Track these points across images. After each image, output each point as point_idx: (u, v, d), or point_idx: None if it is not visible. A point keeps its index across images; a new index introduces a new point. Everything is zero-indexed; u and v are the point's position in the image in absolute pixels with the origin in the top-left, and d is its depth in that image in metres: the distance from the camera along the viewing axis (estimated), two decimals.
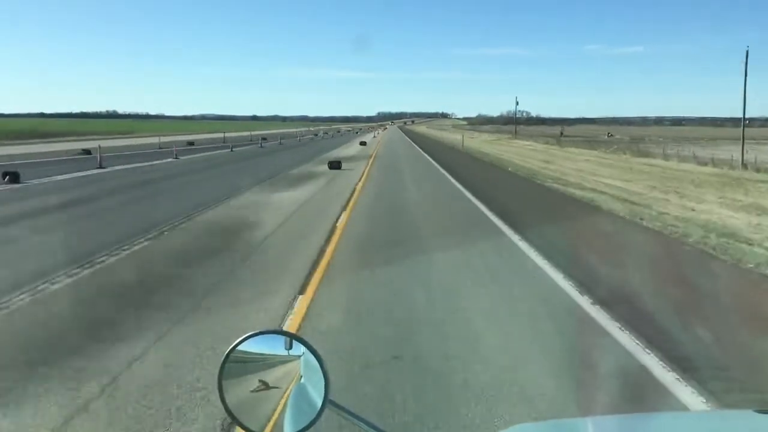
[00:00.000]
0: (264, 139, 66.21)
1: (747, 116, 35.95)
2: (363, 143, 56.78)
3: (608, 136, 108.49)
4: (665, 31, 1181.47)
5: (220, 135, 69.16)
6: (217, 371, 1.31)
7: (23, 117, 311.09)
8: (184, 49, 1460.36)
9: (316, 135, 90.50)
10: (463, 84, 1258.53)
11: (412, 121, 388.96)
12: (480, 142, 71.12)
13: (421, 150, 45.04)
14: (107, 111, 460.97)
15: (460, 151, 45.17)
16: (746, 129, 36.12)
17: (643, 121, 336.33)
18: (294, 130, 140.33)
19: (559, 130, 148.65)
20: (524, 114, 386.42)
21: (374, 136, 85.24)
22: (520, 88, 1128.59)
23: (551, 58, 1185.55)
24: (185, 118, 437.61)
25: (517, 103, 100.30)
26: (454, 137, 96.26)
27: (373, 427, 1.31)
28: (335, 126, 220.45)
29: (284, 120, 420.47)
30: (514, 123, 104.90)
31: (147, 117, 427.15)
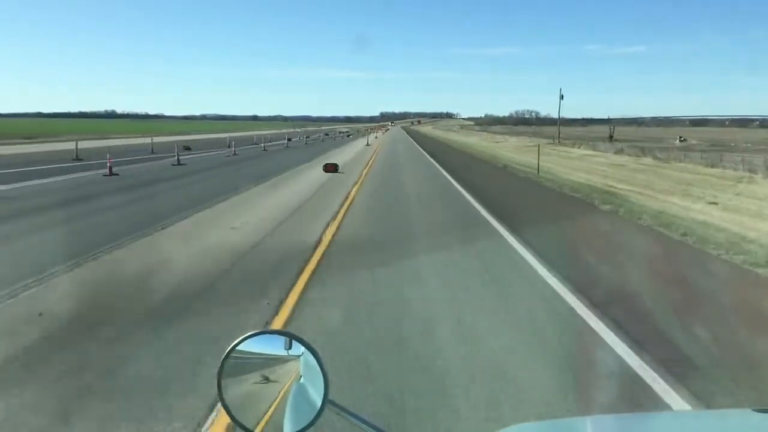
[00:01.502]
0: (187, 148, 41.39)
1: None
2: (330, 169, 22.99)
3: (680, 140, 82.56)
4: (670, 29, 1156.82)
5: (145, 141, 44.25)
6: (217, 369, 1.27)
7: (20, 117, 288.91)
8: (185, 49, 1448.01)
9: (290, 140, 64.24)
10: (466, 84, 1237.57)
11: (419, 122, 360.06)
12: (525, 153, 45.15)
13: (462, 189, 18.83)
14: (105, 111, 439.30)
15: (558, 191, 19.01)
16: None
17: (657, 122, 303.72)
18: (280, 131, 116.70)
19: (581, 130, 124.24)
20: (534, 114, 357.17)
21: (367, 144, 55.26)
22: (523, 87, 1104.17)
23: (554, 58, 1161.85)
24: (186, 118, 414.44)
25: (562, 97, 74.47)
26: (479, 142, 71.03)
27: (373, 427, 1.29)
28: (327, 126, 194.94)
29: (286, 120, 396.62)
30: (557, 124, 78.98)
31: (146, 117, 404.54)
